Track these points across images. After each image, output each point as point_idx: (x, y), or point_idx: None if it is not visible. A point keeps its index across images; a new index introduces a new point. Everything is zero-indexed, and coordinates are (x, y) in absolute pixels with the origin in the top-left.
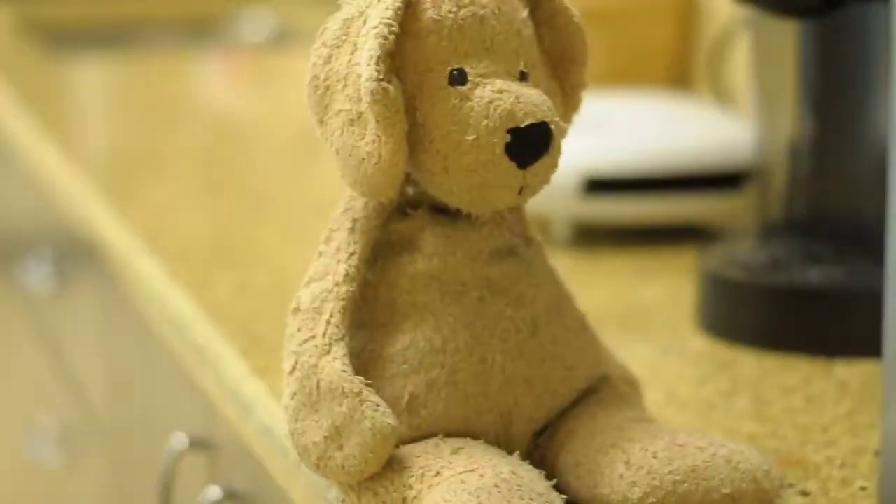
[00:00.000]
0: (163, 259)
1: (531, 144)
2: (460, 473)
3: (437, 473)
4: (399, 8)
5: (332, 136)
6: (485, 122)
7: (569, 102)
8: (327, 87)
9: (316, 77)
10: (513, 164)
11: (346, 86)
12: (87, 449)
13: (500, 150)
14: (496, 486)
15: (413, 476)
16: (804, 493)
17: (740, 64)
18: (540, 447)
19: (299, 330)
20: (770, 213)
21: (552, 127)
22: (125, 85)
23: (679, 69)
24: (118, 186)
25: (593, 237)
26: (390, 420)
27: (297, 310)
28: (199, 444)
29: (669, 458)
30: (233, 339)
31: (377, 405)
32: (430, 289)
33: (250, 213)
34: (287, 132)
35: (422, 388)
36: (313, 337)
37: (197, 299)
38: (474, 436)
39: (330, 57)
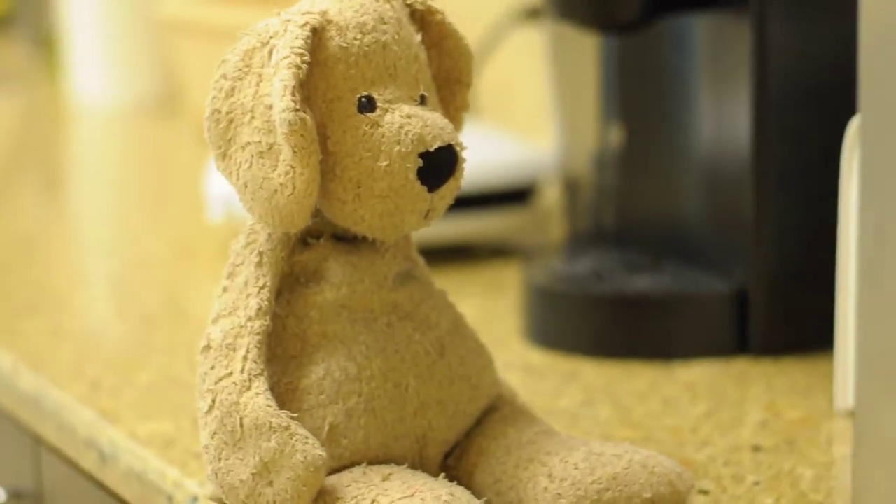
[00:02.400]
0: None
1: (440, 168)
2: (399, 500)
3: (373, 501)
4: (308, 37)
5: (239, 169)
6: (397, 147)
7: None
8: (231, 120)
9: (217, 111)
10: (424, 188)
11: (253, 118)
12: None
13: (412, 174)
14: None
15: None
16: (704, 492)
17: (487, 81)
18: (449, 468)
19: (213, 368)
20: (577, 225)
21: (457, 149)
22: None
23: None
24: None
25: None
26: (321, 451)
27: (207, 348)
28: (22, 496)
29: (591, 468)
30: (68, 386)
31: (306, 438)
32: (339, 318)
33: (17, 256)
34: None
35: (341, 417)
36: (230, 374)
37: (13, 350)
38: (393, 461)
39: (232, 89)
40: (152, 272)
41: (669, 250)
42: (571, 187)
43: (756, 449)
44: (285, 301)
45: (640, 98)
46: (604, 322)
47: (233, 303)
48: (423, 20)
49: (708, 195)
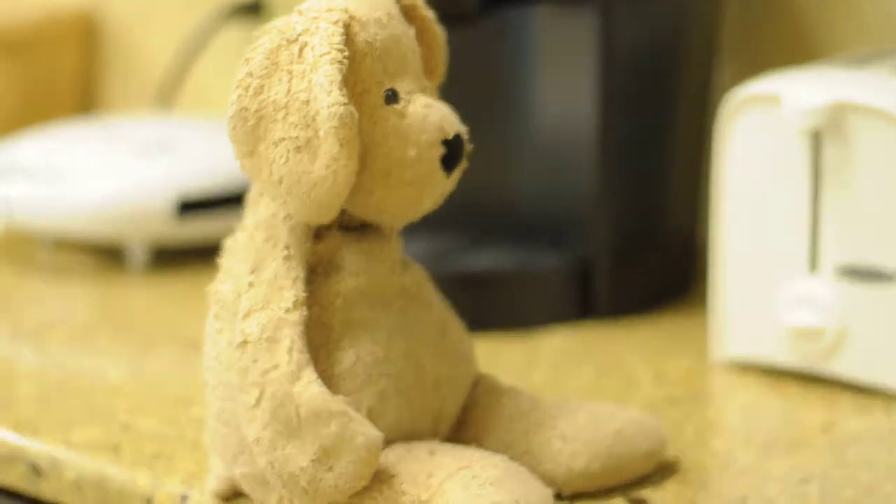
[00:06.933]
0: None
1: (456, 154)
2: (458, 471)
3: (430, 475)
4: (342, 32)
5: (272, 165)
6: (424, 136)
7: None
8: (260, 118)
9: (244, 109)
10: (445, 174)
11: (287, 114)
12: None
13: (437, 162)
14: (508, 474)
15: (403, 482)
16: None
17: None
18: (450, 440)
19: (256, 361)
20: None
21: (464, 135)
22: None
23: (87, 94)
24: None
25: (174, 259)
26: (377, 432)
27: (245, 342)
28: None
29: (596, 426)
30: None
31: (363, 421)
32: (360, 304)
33: None
34: None
35: (375, 400)
36: (276, 366)
37: None
38: (418, 439)
39: (261, 87)
40: None
41: (488, 230)
42: None
43: (673, 401)
44: (307, 292)
45: (447, 84)
46: (459, 300)
47: (264, 297)
48: (407, 14)
49: (540, 173)
